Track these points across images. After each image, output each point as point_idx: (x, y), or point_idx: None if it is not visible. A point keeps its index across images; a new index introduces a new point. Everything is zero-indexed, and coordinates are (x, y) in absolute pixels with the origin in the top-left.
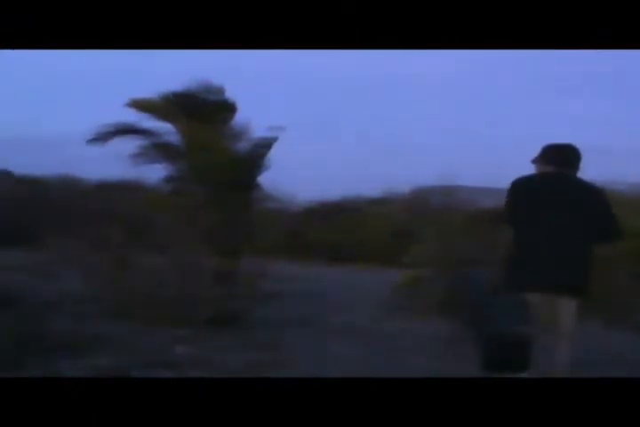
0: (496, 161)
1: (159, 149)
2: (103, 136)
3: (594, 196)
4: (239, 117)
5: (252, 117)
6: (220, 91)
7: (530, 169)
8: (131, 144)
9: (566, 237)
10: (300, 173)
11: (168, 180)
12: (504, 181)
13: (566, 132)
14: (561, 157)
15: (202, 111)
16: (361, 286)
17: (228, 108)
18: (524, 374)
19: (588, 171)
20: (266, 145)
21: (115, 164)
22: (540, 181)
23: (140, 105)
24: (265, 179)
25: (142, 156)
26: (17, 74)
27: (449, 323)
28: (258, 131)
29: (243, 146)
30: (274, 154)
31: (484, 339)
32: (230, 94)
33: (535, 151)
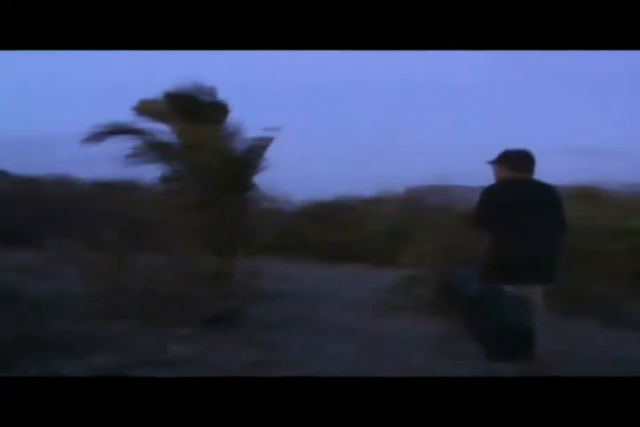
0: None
1: (156, 150)
2: (99, 136)
3: (553, 195)
4: (236, 118)
5: (249, 118)
6: (216, 91)
7: None
8: (127, 144)
9: (539, 233)
10: (296, 172)
11: (164, 180)
12: None
13: (559, 132)
14: (523, 163)
15: (198, 111)
16: (358, 285)
17: (224, 109)
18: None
19: (583, 171)
20: (262, 145)
21: (111, 164)
22: (511, 186)
23: (139, 108)
24: (261, 179)
25: (139, 156)
26: (15, 74)
27: (445, 321)
28: (254, 131)
29: (239, 146)
30: (270, 154)
31: (487, 331)
32: (227, 94)
33: (532, 150)
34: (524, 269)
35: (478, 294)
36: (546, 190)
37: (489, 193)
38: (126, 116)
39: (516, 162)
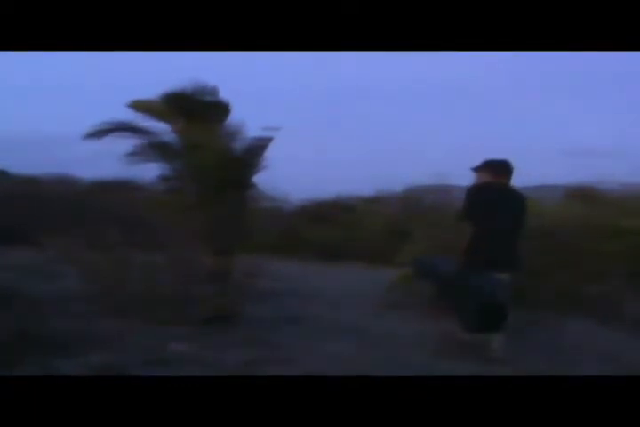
0: None
1: (155, 149)
2: (99, 136)
3: (523, 200)
4: (235, 118)
5: (249, 118)
6: (217, 91)
7: (518, 168)
8: (127, 144)
9: (510, 229)
10: (295, 172)
11: (164, 179)
12: None
13: (558, 132)
14: (502, 171)
15: (198, 111)
16: (357, 284)
17: (225, 109)
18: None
19: (581, 171)
20: (261, 145)
21: (111, 163)
22: (491, 189)
23: (139, 106)
24: (261, 178)
25: (139, 155)
26: (15, 74)
27: (444, 320)
28: (254, 131)
29: (239, 145)
30: (269, 154)
31: (465, 307)
32: (227, 95)
33: (529, 150)
34: (496, 257)
35: (452, 275)
36: (518, 194)
37: (471, 192)
38: (126, 115)
39: (496, 170)
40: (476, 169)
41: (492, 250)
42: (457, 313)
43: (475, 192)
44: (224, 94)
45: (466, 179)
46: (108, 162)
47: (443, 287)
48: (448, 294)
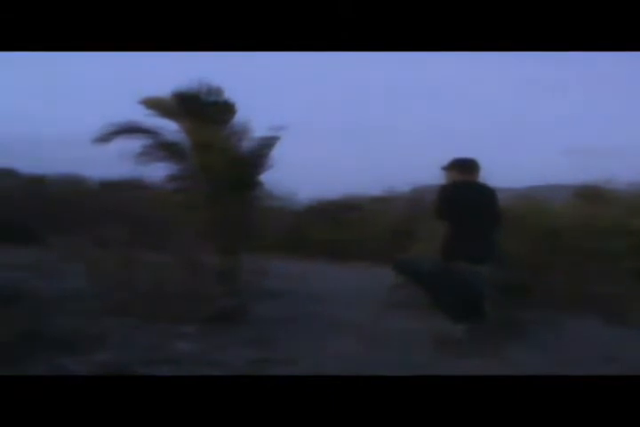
0: (492, 160)
1: (163, 149)
2: (107, 136)
3: (494, 195)
4: (242, 117)
5: (256, 117)
6: (223, 91)
7: (521, 168)
8: (135, 143)
9: (484, 225)
10: (301, 171)
11: (172, 178)
12: (500, 180)
13: (561, 132)
14: (471, 169)
15: (206, 111)
16: (363, 283)
17: (231, 109)
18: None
19: (587, 171)
20: (268, 144)
21: (119, 163)
22: (464, 187)
23: (148, 103)
24: (267, 177)
25: (146, 155)
26: (24, 74)
27: (446, 320)
28: (261, 130)
29: (246, 145)
30: (276, 153)
31: (449, 301)
32: (234, 94)
33: (534, 150)
34: (472, 251)
35: (433, 270)
36: (490, 190)
37: (445, 191)
38: (133, 115)
39: (464, 168)
40: (445, 168)
41: (467, 245)
42: (442, 308)
43: (446, 190)
44: (231, 94)
45: None
46: (116, 162)
47: (426, 285)
48: (432, 290)
